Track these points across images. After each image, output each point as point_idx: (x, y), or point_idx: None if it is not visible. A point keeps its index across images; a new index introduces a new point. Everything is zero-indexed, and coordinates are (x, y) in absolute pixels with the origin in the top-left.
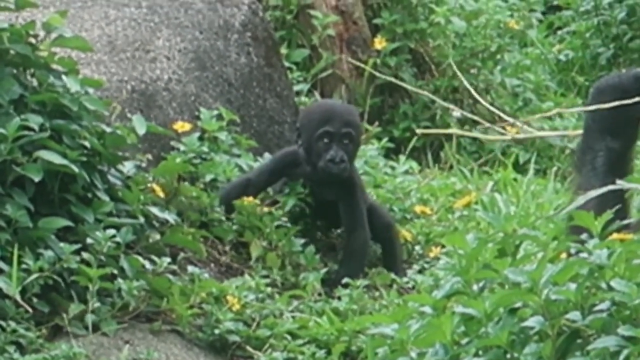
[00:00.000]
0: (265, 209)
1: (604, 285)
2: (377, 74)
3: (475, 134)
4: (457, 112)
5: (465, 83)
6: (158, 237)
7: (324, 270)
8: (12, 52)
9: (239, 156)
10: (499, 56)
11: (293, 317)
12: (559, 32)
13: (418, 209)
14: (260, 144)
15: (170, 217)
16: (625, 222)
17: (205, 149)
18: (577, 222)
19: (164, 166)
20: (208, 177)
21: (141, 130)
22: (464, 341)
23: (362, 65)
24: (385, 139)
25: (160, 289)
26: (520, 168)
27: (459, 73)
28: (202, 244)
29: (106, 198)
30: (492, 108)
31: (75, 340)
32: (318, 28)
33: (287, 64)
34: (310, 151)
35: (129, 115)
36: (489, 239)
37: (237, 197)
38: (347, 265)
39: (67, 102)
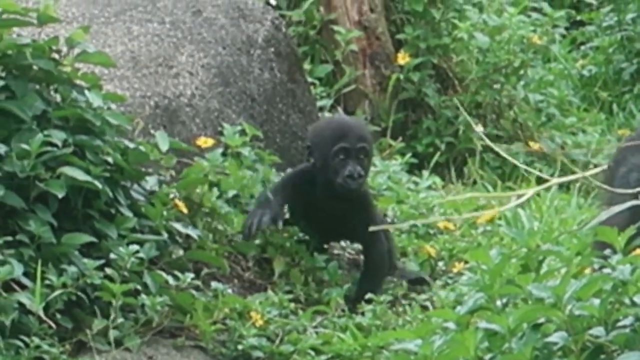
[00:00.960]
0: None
1: (627, 300)
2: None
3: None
4: (480, 128)
5: None
6: (181, 252)
7: (347, 285)
8: (35, 67)
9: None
10: (522, 71)
11: (316, 332)
12: (582, 48)
13: (441, 224)
14: (283, 160)
15: (194, 232)
16: None
17: (228, 164)
18: (601, 237)
19: (186, 180)
20: (231, 193)
21: (164, 146)
22: (487, 357)
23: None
24: (408, 155)
25: (184, 305)
26: (543, 183)
27: None
28: (225, 259)
29: (129, 214)
30: None
31: (98, 355)
32: (341, 43)
33: (310, 79)
34: (326, 168)
35: (152, 130)
36: (513, 254)
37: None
38: (369, 279)
39: (90, 117)
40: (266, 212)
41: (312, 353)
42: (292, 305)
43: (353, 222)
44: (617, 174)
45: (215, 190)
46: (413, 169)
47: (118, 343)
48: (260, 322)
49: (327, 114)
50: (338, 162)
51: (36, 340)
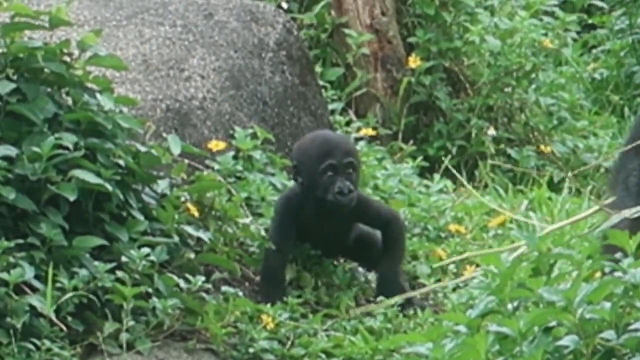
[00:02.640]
0: None
1: (638, 304)
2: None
3: None
4: (492, 131)
5: None
6: (193, 256)
7: (355, 289)
8: (46, 71)
9: (273, 175)
10: (533, 75)
11: (328, 336)
12: (594, 51)
13: (453, 228)
14: None
15: (205, 236)
16: None
17: (240, 168)
18: (612, 241)
19: (198, 184)
20: (242, 196)
21: (176, 150)
22: None
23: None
24: (420, 158)
25: (195, 308)
26: (554, 187)
27: None
28: (237, 263)
29: (141, 217)
30: None
31: (109, 359)
32: (353, 47)
33: (321, 82)
34: (314, 187)
35: (163, 134)
36: (524, 258)
37: (281, 268)
38: (392, 255)
39: (101, 121)
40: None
41: (324, 356)
42: (303, 309)
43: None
44: (619, 179)
45: (226, 193)
46: (424, 173)
47: (129, 346)
48: (271, 326)
49: (338, 117)
50: (327, 179)
51: (47, 343)
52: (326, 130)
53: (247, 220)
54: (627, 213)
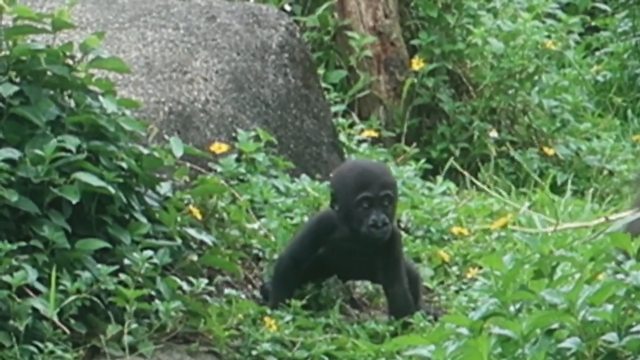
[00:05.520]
0: None
1: None
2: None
3: None
4: (494, 134)
5: None
6: (195, 258)
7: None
8: (49, 73)
9: (276, 177)
10: (536, 77)
11: (331, 338)
12: (597, 53)
13: (455, 230)
14: (297, 166)
15: (208, 238)
16: None
17: (242, 170)
18: (613, 244)
19: (201, 187)
20: (245, 198)
21: (178, 152)
22: None
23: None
24: (422, 160)
25: (198, 310)
26: (557, 189)
27: None
28: (239, 265)
29: (143, 219)
30: None
31: None
32: (355, 49)
33: (324, 85)
34: (349, 217)
35: (166, 136)
36: (526, 260)
37: (293, 277)
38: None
39: (104, 123)
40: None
41: (326, 359)
42: (305, 311)
43: (374, 263)
44: None
45: (229, 196)
46: (427, 175)
47: (132, 349)
48: (274, 328)
49: (340, 120)
50: (361, 211)
51: (50, 345)
52: (366, 160)
53: (256, 225)
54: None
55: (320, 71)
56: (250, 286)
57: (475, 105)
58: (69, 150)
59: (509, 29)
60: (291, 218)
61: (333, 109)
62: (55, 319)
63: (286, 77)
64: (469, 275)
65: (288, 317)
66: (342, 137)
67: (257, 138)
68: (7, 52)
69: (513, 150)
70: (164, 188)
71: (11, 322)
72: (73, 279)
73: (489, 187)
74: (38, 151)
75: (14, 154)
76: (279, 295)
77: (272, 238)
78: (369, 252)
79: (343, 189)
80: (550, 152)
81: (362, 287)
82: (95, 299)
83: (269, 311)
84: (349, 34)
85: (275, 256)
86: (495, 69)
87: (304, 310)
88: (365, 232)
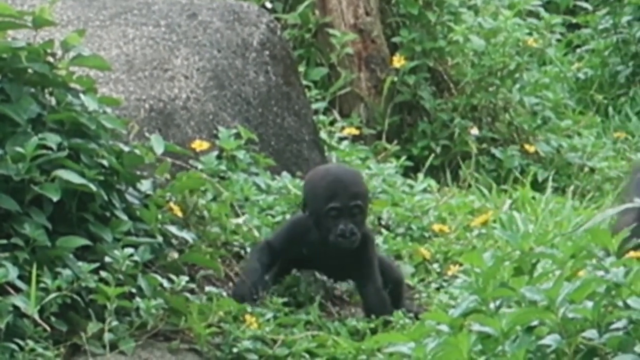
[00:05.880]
0: None
1: (620, 303)
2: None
3: None
4: (475, 131)
5: None
6: (176, 255)
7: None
8: (30, 71)
9: (257, 175)
10: (517, 74)
11: (312, 335)
12: (578, 50)
13: (436, 227)
14: (278, 163)
15: (188, 236)
16: None
17: (223, 167)
18: (593, 240)
19: (181, 184)
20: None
21: (159, 150)
22: (481, 359)
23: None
24: (403, 158)
25: (179, 308)
26: (538, 186)
27: None
28: (220, 263)
29: (124, 217)
30: None
31: (93, 359)
32: (336, 46)
33: (305, 82)
34: (319, 224)
35: (147, 134)
36: (506, 257)
37: (265, 260)
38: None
39: (85, 121)
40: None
41: (307, 356)
42: (287, 308)
43: (348, 264)
44: (634, 181)
45: (210, 193)
46: (408, 172)
47: (113, 346)
48: (254, 326)
49: (321, 117)
50: (330, 220)
51: (31, 343)
52: (339, 166)
53: (240, 220)
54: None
55: (301, 69)
56: (231, 284)
57: (456, 103)
58: (50, 148)
59: (490, 27)
60: (272, 216)
61: (314, 106)
62: (36, 316)
63: (267, 74)
64: (449, 273)
65: (269, 315)
66: (323, 135)
67: (238, 135)
68: None
69: (494, 147)
70: (145, 185)
71: None
72: (54, 277)
73: (469, 184)
74: (19, 149)
75: None
76: (249, 275)
77: (256, 233)
78: (341, 255)
79: (313, 197)
80: (531, 149)
81: (342, 284)
82: (76, 296)
83: (249, 308)
84: (330, 31)
85: None
86: (476, 67)
87: (285, 307)
88: (334, 240)
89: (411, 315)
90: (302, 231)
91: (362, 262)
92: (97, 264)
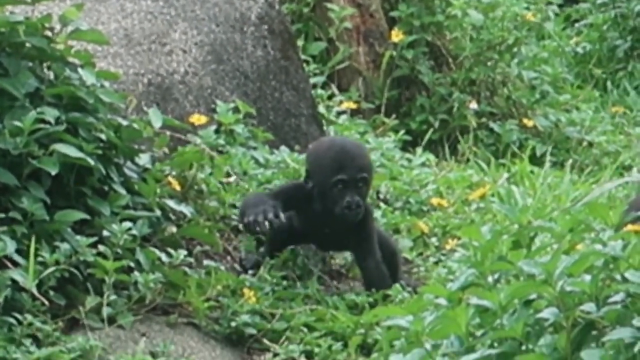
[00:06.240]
0: None
1: (618, 276)
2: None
3: None
4: (474, 105)
5: None
6: (174, 229)
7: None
8: (28, 45)
9: (255, 149)
10: (515, 49)
11: (311, 309)
12: (576, 25)
13: (434, 201)
14: (276, 137)
15: (187, 210)
16: None
17: (221, 141)
18: (591, 214)
19: (180, 158)
20: (224, 170)
21: (157, 124)
22: (478, 333)
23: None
24: (402, 132)
25: (177, 282)
26: (537, 160)
27: None
28: (218, 237)
29: (122, 191)
30: None
31: (91, 333)
32: (335, 21)
33: (303, 56)
34: (324, 197)
35: (145, 108)
36: (504, 231)
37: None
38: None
39: (83, 95)
40: (267, 210)
41: (305, 330)
42: (285, 282)
43: (347, 238)
44: None
45: (208, 167)
46: (407, 146)
47: (111, 320)
48: (253, 300)
49: (320, 91)
50: (336, 192)
51: (29, 317)
52: (344, 138)
53: (232, 179)
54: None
55: (300, 43)
56: (229, 257)
57: (455, 77)
58: (48, 122)
59: (488, 1)
60: (271, 190)
61: (312, 80)
62: (34, 290)
63: (265, 48)
64: (447, 247)
65: (267, 289)
66: (322, 109)
67: (236, 110)
68: None
69: (492, 121)
70: (143, 159)
71: None
72: (52, 251)
73: (468, 159)
74: (17, 123)
75: None
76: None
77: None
78: (341, 228)
79: (319, 168)
80: (530, 123)
81: (341, 258)
82: (74, 270)
83: (248, 282)
84: (329, 5)
85: None
86: (474, 41)
87: (283, 281)
88: (339, 212)
89: (409, 289)
90: (300, 199)
91: (362, 236)
92: (95, 238)
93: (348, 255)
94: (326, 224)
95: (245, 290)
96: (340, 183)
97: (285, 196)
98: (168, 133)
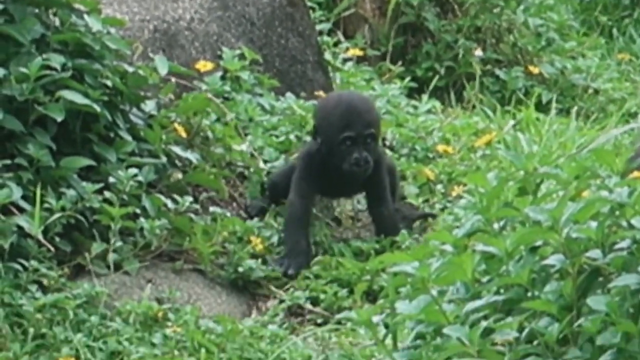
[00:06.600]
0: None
1: (624, 223)
2: None
3: None
4: (479, 52)
5: None
6: (180, 176)
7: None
8: None
9: (261, 95)
10: None
11: (317, 257)
12: None
13: (440, 148)
14: (282, 84)
15: (192, 156)
16: None
17: (227, 88)
18: (597, 160)
19: (185, 104)
20: (230, 117)
21: (163, 70)
22: (484, 279)
23: None
24: (407, 79)
25: (183, 228)
26: (542, 107)
27: None
28: (224, 183)
29: (128, 137)
30: None
31: (97, 279)
32: None
33: (309, 3)
34: (332, 153)
35: (151, 54)
36: (510, 177)
37: (307, 218)
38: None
39: (89, 41)
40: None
41: (312, 277)
42: None
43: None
44: None
45: (214, 114)
46: (412, 93)
47: (117, 266)
48: (260, 247)
49: (326, 38)
50: (344, 149)
51: (35, 263)
52: (351, 93)
53: (244, 146)
54: (615, 132)
55: None
56: (234, 204)
57: (461, 24)
58: (54, 69)
59: None
60: (276, 136)
61: (318, 27)
62: (40, 237)
63: None
64: (453, 193)
65: (275, 238)
66: (327, 56)
67: (242, 56)
68: None
69: (498, 68)
70: (149, 106)
71: None
72: (58, 197)
73: (473, 106)
74: (23, 69)
75: None
76: (296, 238)
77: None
78: (353, 180)
79: (326, 125)
80: (536, 70)
81: (346, 204)
82: (80, 217)
83: (255, 229)
84: None
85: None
86: None
87: None
88: (347, 168)
89: (416, 236)
90: (317, 165)
91: (374, 183)
92: (101, 185)
93: (354, 202)
94: (339, 177)
95: (252, 238)
96: (347, 140)
97: (311, 172)
98: (174, 80)
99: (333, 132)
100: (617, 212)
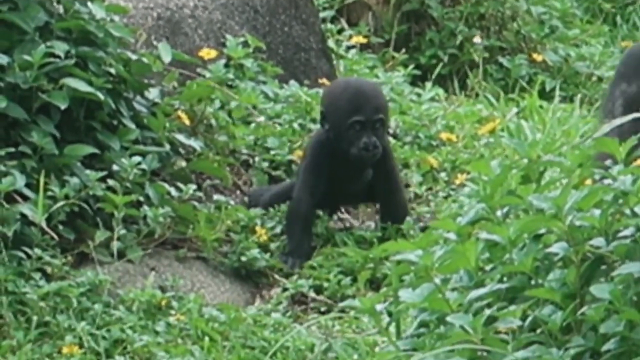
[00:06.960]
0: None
1: (628, 211)
2: None
3: None
4: (477, 39)
5: None
6: (184, 164)
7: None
8: None
9: (264, 83)
10: None
11: (320, 246)
12: None
13: (444, 135)
14: (286, 71)
15: (196, 144)
16: None
17: (231, 75)
18: (601, 148)
19: (189, 92)
20: (233, 104)
21: (167, 58)
22: (488, 267)
23: None
24: (411, 66)
25: (186, 216)
26: (546, 95)
27: None
28: (228, 171)
29: (132, 125)
30: None
31: (100, 267)
32: None
33: None
34: (340, 138)
35: (154, 42)
36: (514, 165)
37: (312, 215)
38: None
39: (92, 29)
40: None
41: (315, 265)
42: None
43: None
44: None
45: (217, 102)
46: (416, 81)
47: (120, 254)
48: (264, 238)
49: (329, 25)
50: (353, 133)
51: (38, 251)
52: (358, 79)
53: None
54: (618, 121)
55: None
56: (238, 192)
57: (464, 11)
58: (58, 56)
59: None
60: (280, 124)
61: (322, 14)
62: (44, 224)
63: None
64: (457, 181)
65: (279, 228)
66: (331, 43)
67: (245, 44)
68: None
69: (502, 56)
70: (153, 94)
71: None
72: (61, 185)
73: (477, 93)
74: (26, 57)
75: (3, 59)
76: (299, 238)
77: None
78: (362, 168)
79: (335, 110)
80: (539, 58)
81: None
82: (83, 204)
83: (259, 218)
84: None
85: (265, 164)
86: None
87: None
88: (356, 154)
89: (420, 224)
90: (327, 154)
91: (386, 171)
92: (104, 172)
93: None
94: (346, 165)
95: (257, 228)
96: (356, 124)
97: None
98: (177, 69)
99: (341, 117)
100: (621, 200)
